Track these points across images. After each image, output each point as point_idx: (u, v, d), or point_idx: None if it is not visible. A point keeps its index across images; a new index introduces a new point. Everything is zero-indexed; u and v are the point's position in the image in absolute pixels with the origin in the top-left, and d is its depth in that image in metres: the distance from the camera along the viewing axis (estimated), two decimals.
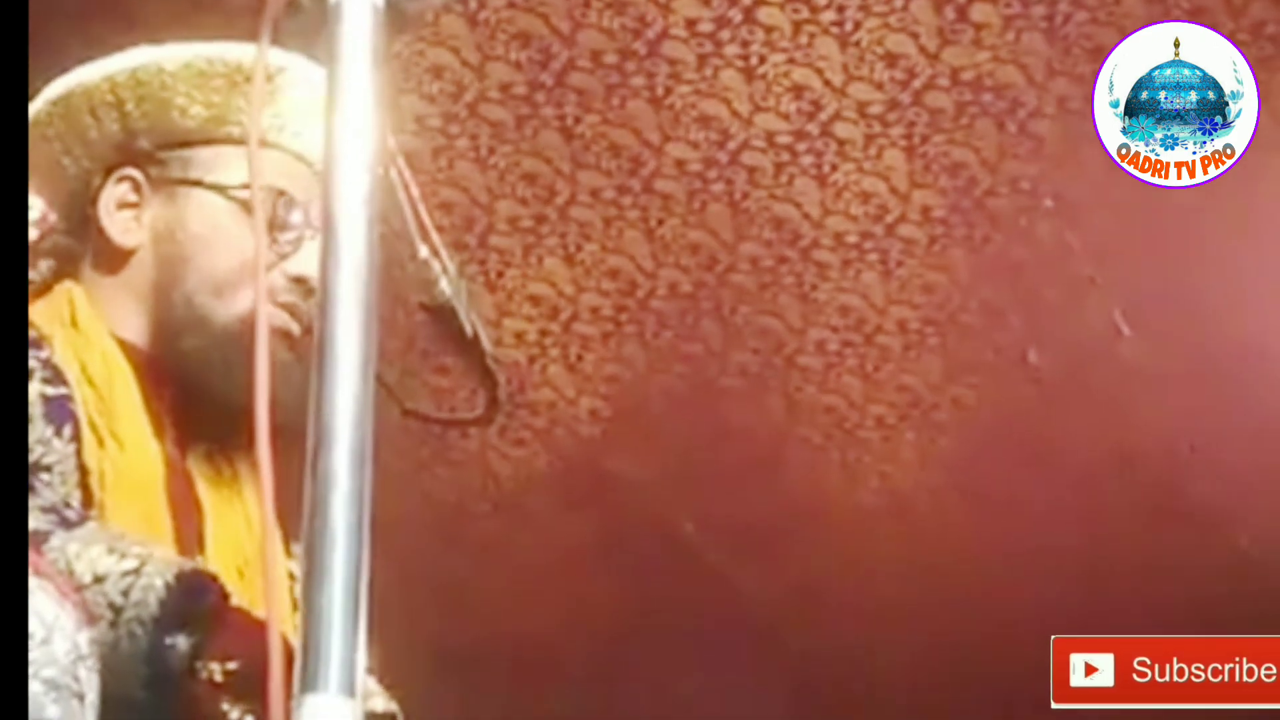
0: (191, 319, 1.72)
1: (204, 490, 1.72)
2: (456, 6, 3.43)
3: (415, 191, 1.57)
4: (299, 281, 1.71)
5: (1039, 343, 4.16)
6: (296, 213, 1.74)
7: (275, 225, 1.74)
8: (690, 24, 3.50)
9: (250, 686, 1.42)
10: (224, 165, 1.75)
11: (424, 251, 1.61)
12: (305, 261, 1.71)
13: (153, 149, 1.76)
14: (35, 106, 1.79)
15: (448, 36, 3.53)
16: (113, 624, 1.42)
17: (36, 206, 1.82)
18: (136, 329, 1.74)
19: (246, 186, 1.72)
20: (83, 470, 1.59)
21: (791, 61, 3.57)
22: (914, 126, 3.69)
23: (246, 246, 1.70)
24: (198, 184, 1.76)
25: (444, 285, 1.62)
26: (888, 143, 3.72)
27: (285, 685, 1.04)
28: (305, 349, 1.69)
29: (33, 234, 1.80)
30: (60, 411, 1.60)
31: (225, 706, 1.44)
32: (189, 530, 1.67)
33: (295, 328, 1.71)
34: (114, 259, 1.76)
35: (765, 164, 3.78)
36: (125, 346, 1.71)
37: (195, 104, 1.76)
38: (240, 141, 1.74)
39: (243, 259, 1.71)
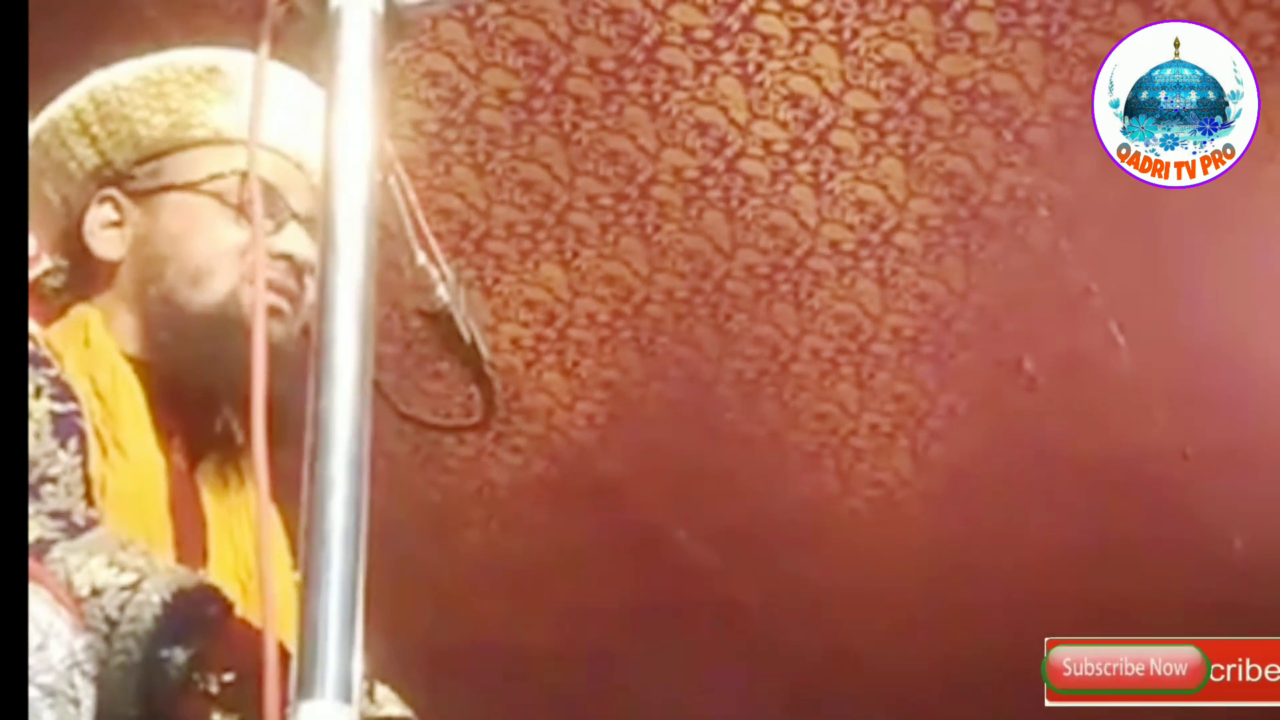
0: (171, 312, 1.73)
1: (209, 502, 1.72)
2: (455, 12, 3.43)
3: (413, 197, 1.57)
4: (282, 258, 1.73)
5: (1034, 351, 4.16)
6: (274, 196, 1.74)
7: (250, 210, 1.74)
8: (688, 31, 3.51)
9: (246, 697, 1.41)
10: (192, 165, 1.77)
11: (421, 257, 1.61)
12: (288, 240, 1.74)
13: (126, 167, 1.79)
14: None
15: (446, 42, 3.53)
16: (107, 638, 1.41)
17: (35, 246, 1.85)
18: (131, 337, 1.74)
19: (214, 178, 1.75)
20: (87, 482, 1.59)
21: (789, 69, 3.57)
22: (910, 135, 3.69)
23: (220, 236, 1.73)
24: (170, 188, 1.77)
25: (441, 291, 1.62)
26: (884, 151, 3.72)
27: (282, 692, 1.03)
28: (297, 327, 1.71)
29: (34, 273, 1.82)
30: (67, 426, 1.60)
31: (218, 717, 1.43)
32: (191, 541, 1.66)
33: (284, 304, 1.72)
34: (106, 275, 1.78)
35: (762, 171, 3.78)
36: (133, 361, 1.72)
37: (155, 114, 1.78)
38: (205, 142, 1.77)
39: (216, 248, 1.73)
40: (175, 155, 1.78)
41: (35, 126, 1.81)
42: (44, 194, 1.82)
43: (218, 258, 1.73)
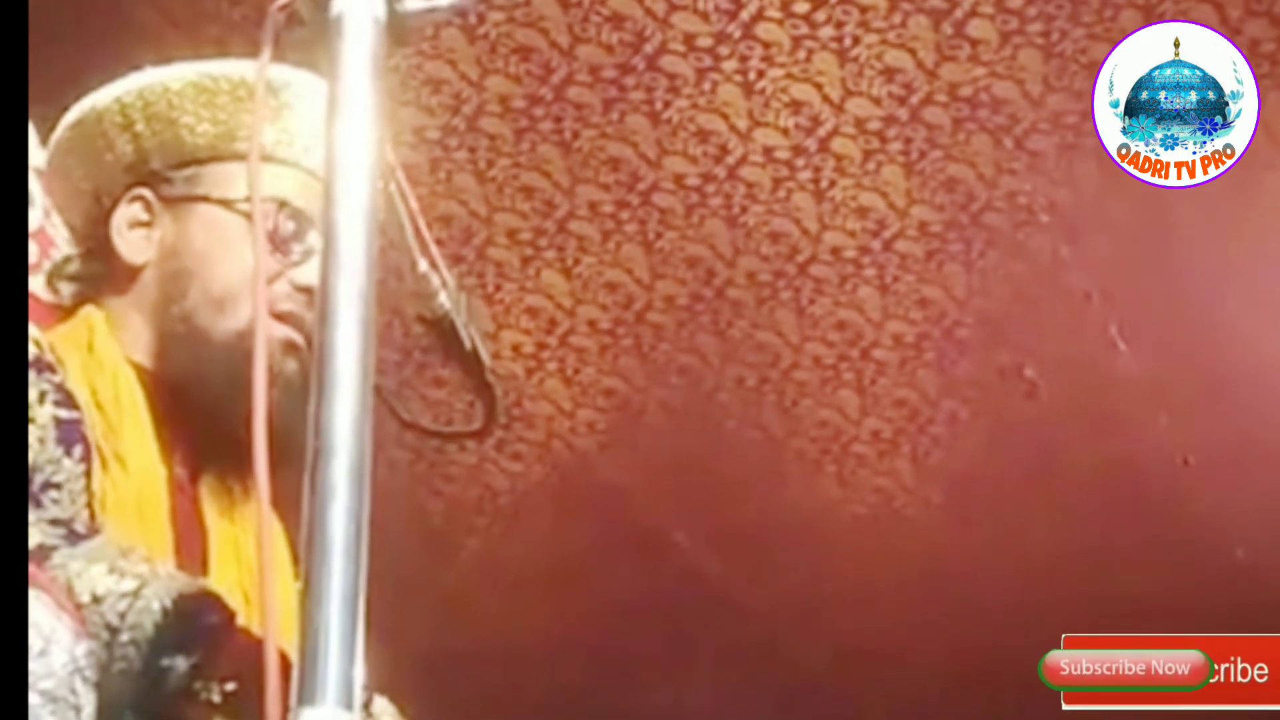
0: (192, 334, 1.71)
1: (211, 515, 1.71)
2: (456, 20, 3.43)
3: (414, 204, 1.57)
4: (304, 291, 1.70)
5: (1035, 357, 4.16)
6: (306, 225, 1.73)
7: (283, 238, 1.73)
8: (689, 39, 3.51)
9: (249, 706, 1.40)
10: (231, 180, 1.75)
11: (423, 264, 1.60)
12: (313, 272, 1.70)
13: (163, 168, 1.76)
14: (55, 133, 1.80)
15: (447, 50, 3.53)
16: (108, 645, 1.41)
17: (61, 232, 1.84)
18: (144, 349, 1.73)
19: (251, 200, 1.70)
20: (90, 492, 1.58)
21: (790, 77, 3.58)
22: (911, 142, 3.69)
23: (248, 261, 1.70)
24: (204, 199, 1.75)
25: (443, 298, 1.62)
26: (885, 158, 3.73)
27: (283, 700, 1.03)
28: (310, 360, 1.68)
29: (56, 258, 1.82)
30: (71, 434, 1.58)
31: None
32: (192, 554, 1.65)
33: (300, 339, 1.70)
34: (125, 278, 1.76)
35: (763, 179, 3.78)
36: (138, 369, 1.71)
37: (202, 122, 1.76)
38: (248, 156, 1.73)
39: (243, 273, 1.70)
40: (215, 165, 1.75)
41: (74, 113, 1.80)
42: (74, 179, 1.80)
43: (243, 283, 1.70)
